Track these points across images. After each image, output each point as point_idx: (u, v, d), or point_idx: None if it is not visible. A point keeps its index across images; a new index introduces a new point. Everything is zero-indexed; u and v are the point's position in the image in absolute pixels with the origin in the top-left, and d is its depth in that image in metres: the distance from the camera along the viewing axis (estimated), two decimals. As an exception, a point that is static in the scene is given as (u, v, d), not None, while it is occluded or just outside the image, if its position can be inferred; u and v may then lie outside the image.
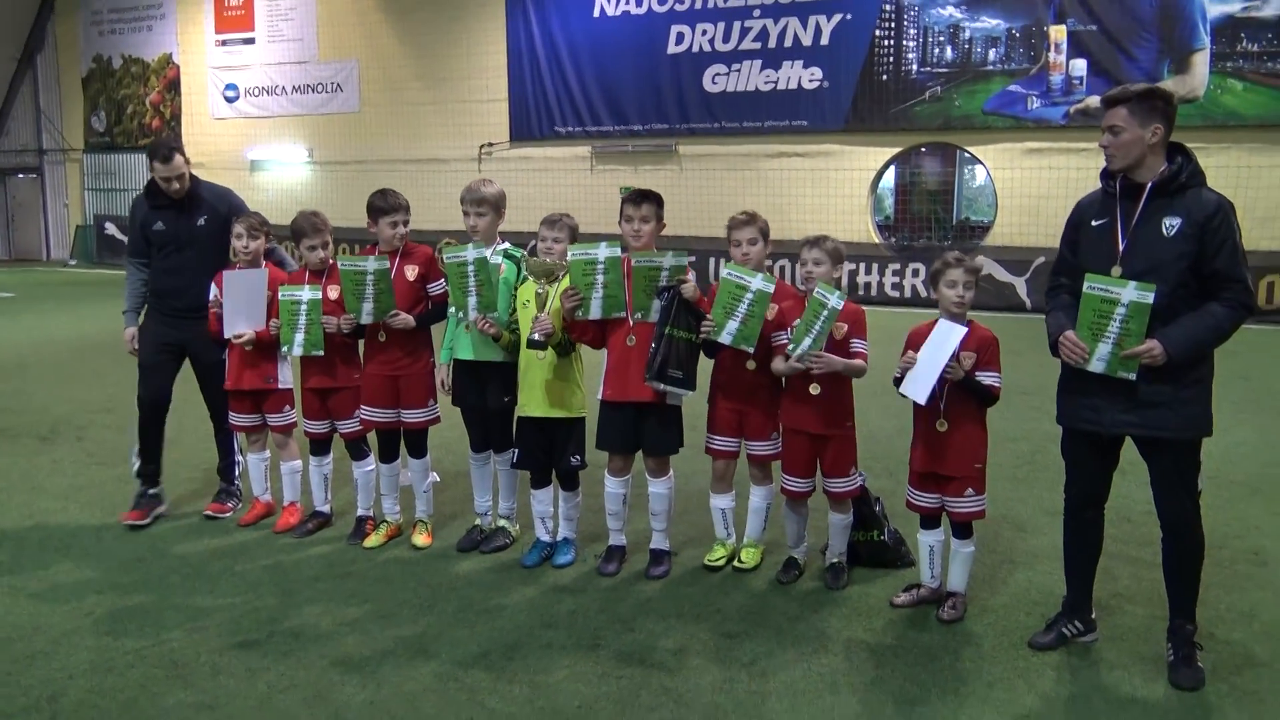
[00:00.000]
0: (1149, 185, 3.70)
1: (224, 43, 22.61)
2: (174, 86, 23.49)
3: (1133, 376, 3.65)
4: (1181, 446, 3.77)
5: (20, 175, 26.31)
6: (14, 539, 5.35)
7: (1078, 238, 3.88)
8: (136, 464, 5.73)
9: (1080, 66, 15.05)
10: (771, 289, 4.46)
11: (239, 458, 5.84)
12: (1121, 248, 3.73)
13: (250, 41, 22.22)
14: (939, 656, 3.97)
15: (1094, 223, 3.82)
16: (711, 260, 16.06)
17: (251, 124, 21.92)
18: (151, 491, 5.67)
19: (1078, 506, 4.04)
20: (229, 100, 22.59)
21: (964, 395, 4.19)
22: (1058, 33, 15.13)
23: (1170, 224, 3.65)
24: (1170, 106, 3.68)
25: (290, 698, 3.65)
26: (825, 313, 4.28)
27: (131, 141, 24.19)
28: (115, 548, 5.20)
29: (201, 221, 5.53)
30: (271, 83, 22.01)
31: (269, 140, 21.78)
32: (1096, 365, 3.70)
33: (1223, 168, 13.91)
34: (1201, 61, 14.29)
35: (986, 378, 4.19)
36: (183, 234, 5.50)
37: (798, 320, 4.46)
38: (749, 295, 4.43)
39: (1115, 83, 14.41)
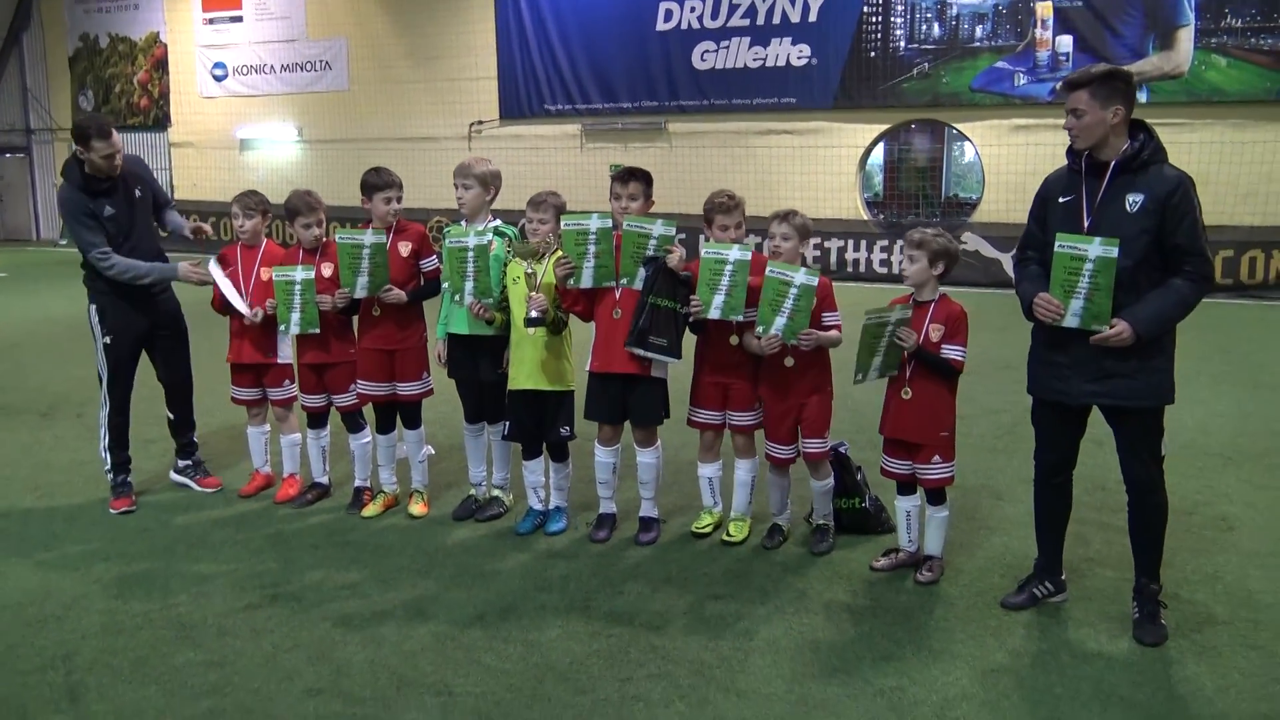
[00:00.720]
0: (1112, 163, 3.85)
1: (211, 21, 22.50)
2: (162, 65, 23.40)
3: (1106, 329, 3.80)
4: (1145, 414, 3.93)
5: (8, 155, 26.20)
6: (21, 511, 5.51)
7: (1045, 213, 4.03)
8: (109, 458, 5.70)
9: (1067, 43, 15.11)
10: (749, 256, 4.59)
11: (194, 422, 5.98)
12: (1087, 223, 3.88)
13: (238, 19, 22.12)
14: (914, 615, 4.16)
15: (1061, 199, 3.97)
16: (701, 237, 16.17)
17: (241, 102, 21.88)
18: (129, 479, 5.73)
19: (1047, 473, 4.21)
20: (217, 79, 22.52)
21: (928, 365, 4.34)
22: (1044, 9, 15.19)
23: (1133, 200, 3.80)
24: (1130, 87, 3.82)
25: (294, 656, 3.82)
26: (795, 290, 4.42)
27: (120, 121, 24.04)
28: (120, 519, 5.36)
29: (138, 192, 5.55)
30: (260, 61, 21.94)
31: (258, 119, 21.75)
32: (1071, 320, 3.86)
33: (1206, 143, 14.07)
34: (1186, 38, 14.37)
35: (951, 351, 4.35)
36: (131, 211, 5.51)
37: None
38: (729, 267, 4.58)
39: (1101, 58, 14.54)
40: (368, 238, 5.07)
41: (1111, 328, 3.77)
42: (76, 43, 24.61)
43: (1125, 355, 3.83)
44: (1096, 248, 3.73)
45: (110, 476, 5.66)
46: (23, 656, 3.83)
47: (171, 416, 5.93)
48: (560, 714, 3.42)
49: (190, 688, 3.60)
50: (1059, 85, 4.11)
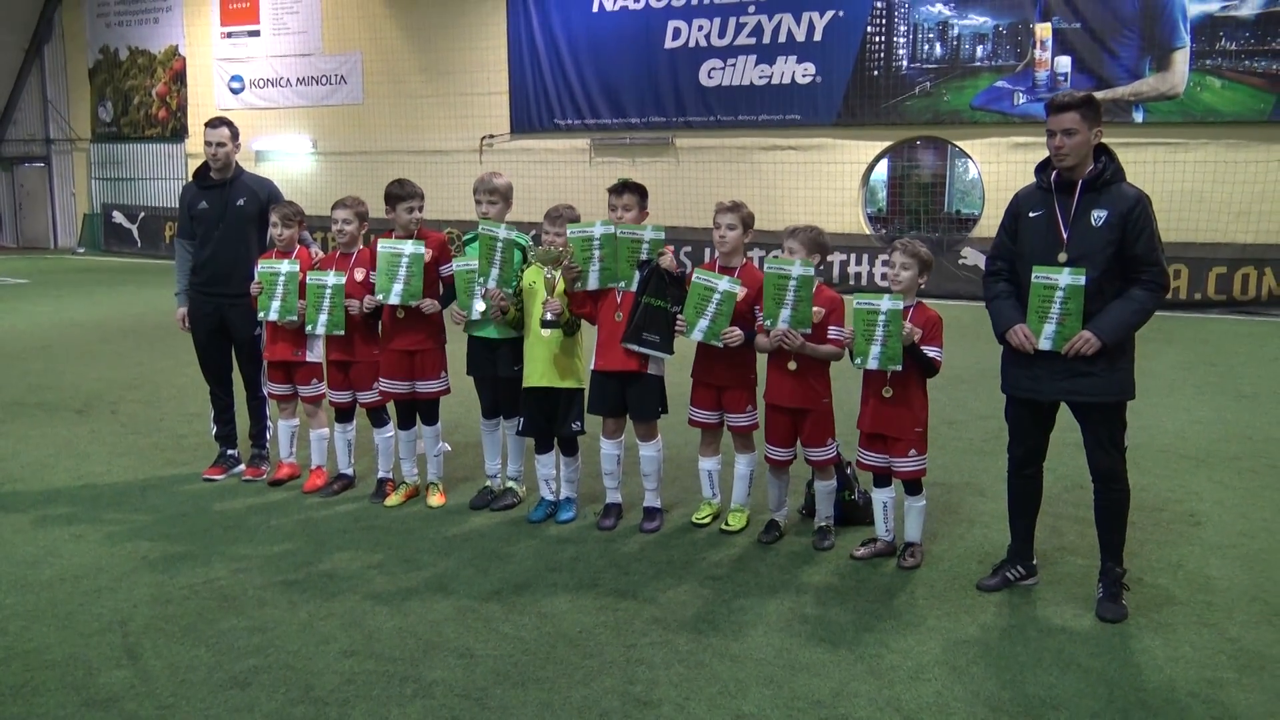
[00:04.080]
0: (1081, 181, 4.22)
1: (229, 35, 23.02)
2: (180, 78, 23.92)
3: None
4: (1110, 409, 4.30)
5: (27, 164, 26.73)
6: (67, 496, 5.90)
7: (1017, 226, 4.41)
8: (214, 429, 6.39)
9: (1065, 64, 15.50)
10: (737, 289, 4.96)
11: (269, 424, 6.37)
12: (1066, 236, 4.25)
13: (255, 34, 22.64)
14: (895, 595, 4.52)
15: (1031, 214, 4.34)
16: (706, 250, 16.57)
17: (257, 115, 22.31)
18: (230, 452, 6.36)
19: (1019, 464, 4.58)
20: (234, 92, 23.01)
21: (908, 365, 4.71)
22: (1043, 30, 15.58)
23: (1098, 215, 4.19)
24: (1101, 111, 4.22)
25: (329, 624, 4.19)
26: (793, 283, 4.78)
27: (138, 132, 24.64)
28: (160, 504, 5.75)
29: (240, 202, 6.10)
30: (276, 75, 22.43)
31: (274, 131, 22.21)
32: (1044, 344, 4.25)
33: (1201, 163, 14.45)
34: (1182, 59, 14.75)
35: (931, 351, 4.73)
36: (222, 213, 6.06)
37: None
38: (717, 296, 4.96)
39: (1098, 79, 14.95)
40: (408, 248, 5.46)
41: (1079, 339, 4.15)
42: (97, 55, 25.15)
43: (1092, 357, 4.20)
44: (1066, 277, 4.14)
45: (218, 446, 6.41)
46: (83, 621, 4.21)
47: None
48: (571, 673, 3.79)
49: (236, 649, 3.97)
50: (1047, 106, 4.50)
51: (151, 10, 24.18)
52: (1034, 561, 4.67)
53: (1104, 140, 4.28)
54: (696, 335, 5.02)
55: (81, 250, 25.09)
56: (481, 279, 5.38)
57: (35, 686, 3.69)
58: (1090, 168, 4.22)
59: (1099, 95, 4.97)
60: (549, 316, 5.14)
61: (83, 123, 25.55)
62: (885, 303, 4.64)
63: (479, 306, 5.44)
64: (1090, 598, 4.44)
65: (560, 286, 5.22)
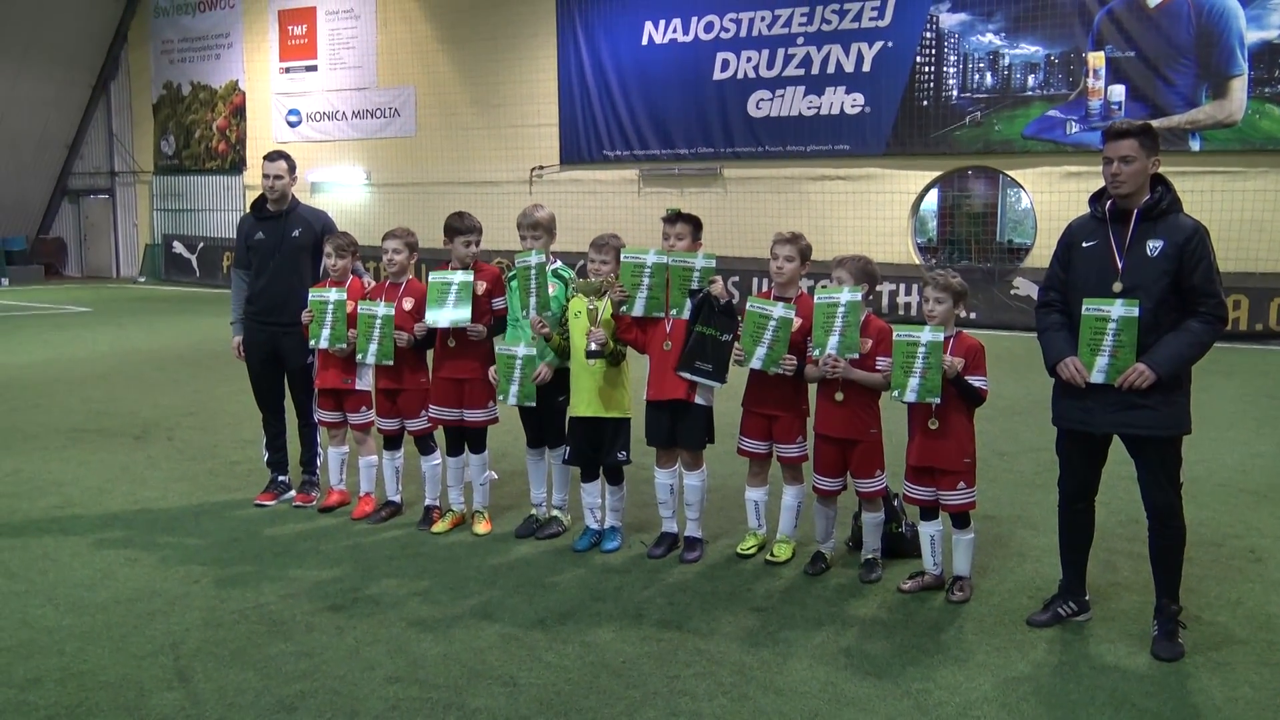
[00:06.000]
0: (1136, 211, 4.17)
1: (288, 70, 23.61)
2: (240, 112, 24.56)
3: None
4: (1164, 443, 4.21)
5: (93, 196, 27.55)
6: (124, 520, 6.02)
7: (1070, 257, 4.35)
8: (266, 455, 6.53)
9: (1119, 92, 15.35)
10: (792, 315, 4.97)
11: (319, 451, 6.46)
12: (1121, 266, 4.19)
13: (313, 69, 23.20)
14: (943, 630, 4.45)
15: (1084, 244, 4.29)
16: (755, 280, 16.58)
17: (313, 147, 22.79)
18: (281, 479, 6.47)
19: (1070, 498, 4.49)
20: (292, 125, 23.56)
21: (954, 396, 4.66)
22: (1096, 59, 15.45)
23: (1154, 246, 4.12)
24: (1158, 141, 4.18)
25: (375, 650, 4.23)
26: (841, 309, 4.77)
27: (199, 164, 25.29)
28: (213, 529, 5.84)
29: (295, 233, 6.25)
30: (332, 108, 22.94)
31: (329, 163, 22.66)
32: (1097, 377, 4.18)
33: (1260, 191, 14.20)
34: (1239, 87, 14.53)
35: (976, 380, 4.68)
36: (278, 244, 6.21)
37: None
38: (772, 323, 4.96)
39: (1153, 107, 14.77)
40: (457, 276, 5.55)
41: (1133, 371, 4.07)
42: (160, 90, 25.90)
43: (1147, 390, 4.12)
44: (1119, 309, 4.07)
45: (269, 472, 6.51)
46: (136, 643, 4.29)
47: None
48: (614, 704, 3.78)
49: (284, 673, 4.02)
50: (1105, 133, 4.50)
51: (214, 47, 24.89)
52: (1086, 597, 4.58)
53: (1161, 170, 4.23)
54: (755, 363, 5.02)
55: (143, 280, 25.73)
56: (525, 311, 5.46)
57: (89, 707, 3.76)
58: (1146, 197, 4.17)
59: (1154, 123, 5.00)
60: (593, 346, 5.18)
61: (146, 156, 26.29)
62: (925, 334, 4.61)
63: (515, 391, 5.49)
64: (1145, 635, 4.34)
65: (605, 315, 5.26)
